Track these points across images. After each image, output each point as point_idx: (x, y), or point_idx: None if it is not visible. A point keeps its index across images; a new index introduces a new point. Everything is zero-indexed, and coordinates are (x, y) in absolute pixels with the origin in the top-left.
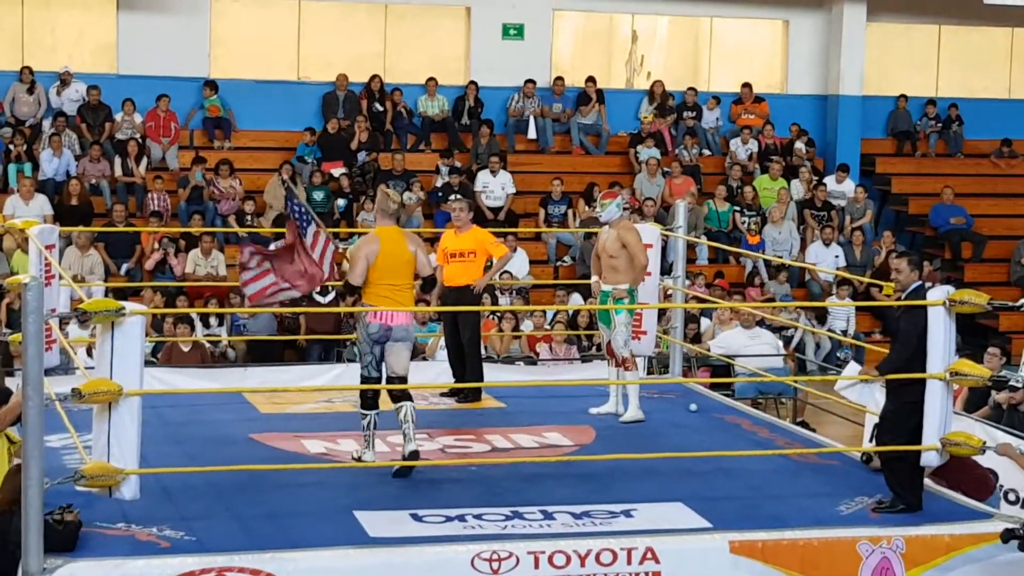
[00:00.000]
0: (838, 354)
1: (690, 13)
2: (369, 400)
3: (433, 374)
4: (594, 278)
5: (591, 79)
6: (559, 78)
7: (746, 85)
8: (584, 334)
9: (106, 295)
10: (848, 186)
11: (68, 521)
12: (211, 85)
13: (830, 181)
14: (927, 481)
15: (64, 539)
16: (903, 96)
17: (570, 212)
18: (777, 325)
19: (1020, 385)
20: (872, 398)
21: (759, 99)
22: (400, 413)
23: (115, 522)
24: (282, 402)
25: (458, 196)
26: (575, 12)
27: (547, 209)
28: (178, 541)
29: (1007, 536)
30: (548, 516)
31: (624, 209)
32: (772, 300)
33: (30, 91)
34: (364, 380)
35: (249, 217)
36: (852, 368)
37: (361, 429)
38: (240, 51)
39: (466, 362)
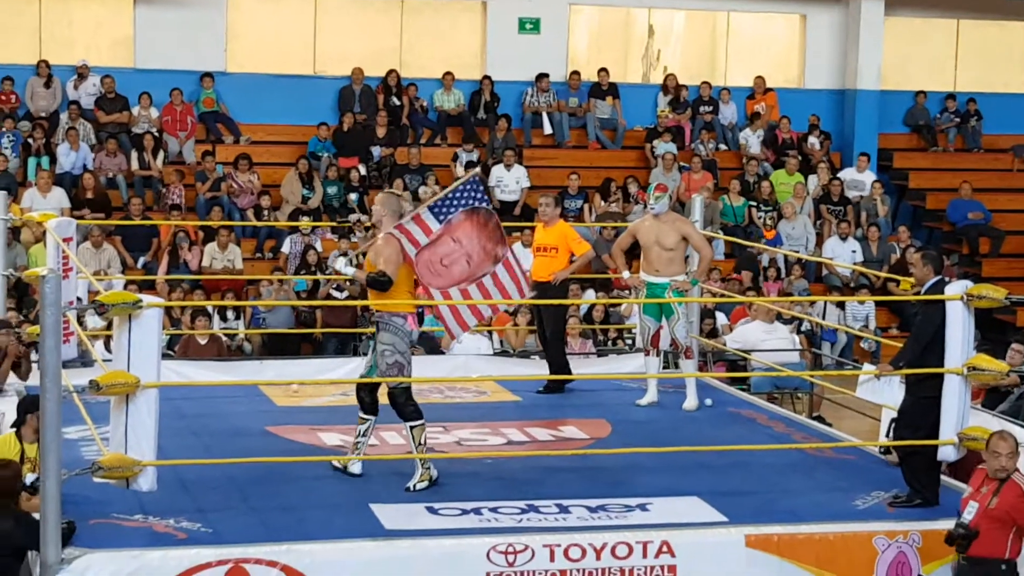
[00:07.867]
0: (863, 344)
1: (707, 7)
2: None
3: (448, 368)
4: (625, 272)
5: (604, 70)
6: (575, 72)
7: (759, 77)
8: (599, 328)
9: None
10: (868, 176)
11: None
12: (208, 77)
13: (850, 171)
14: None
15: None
16: (921, 92)
17: (586, 207)
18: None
19: None
20: (890, 394)
21: (768, 90)
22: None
23: (132, 513)
24: (298, 395)
25: (545, 193)
26: (591, 6)
27: (563, 204)
28: (195, 532)
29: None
30: (564, 509)
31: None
32: (790, 295)
33: (47, 85)
34: (404, 390)
35: (266, 212)
36: (868, 368)
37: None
38: (256, 45)
39: (547, 354)
